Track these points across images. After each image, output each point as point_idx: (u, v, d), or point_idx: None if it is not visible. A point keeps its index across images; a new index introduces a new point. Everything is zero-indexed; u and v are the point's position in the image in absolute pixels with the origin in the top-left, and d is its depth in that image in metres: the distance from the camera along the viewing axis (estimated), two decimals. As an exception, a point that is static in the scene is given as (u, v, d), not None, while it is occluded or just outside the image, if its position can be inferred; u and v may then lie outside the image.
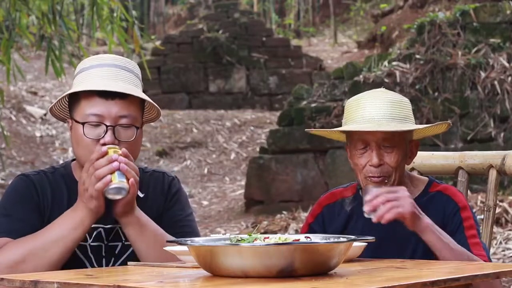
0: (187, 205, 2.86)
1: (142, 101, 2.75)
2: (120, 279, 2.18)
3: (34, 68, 16.80)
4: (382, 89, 2.93)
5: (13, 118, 13.67)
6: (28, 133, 13.35)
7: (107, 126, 2.66)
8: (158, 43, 14.40)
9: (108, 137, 2.66)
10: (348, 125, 2.85)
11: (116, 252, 2.73)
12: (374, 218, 2.66)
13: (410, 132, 2.90)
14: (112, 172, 2.57)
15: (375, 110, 2.81)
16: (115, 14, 6.81)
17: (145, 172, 2.83)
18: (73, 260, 2.67)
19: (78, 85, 2.71)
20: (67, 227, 2.61)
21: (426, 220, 2.70)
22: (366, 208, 2.66)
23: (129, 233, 2.68)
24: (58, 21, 6.59)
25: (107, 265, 2.72)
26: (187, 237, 2.68)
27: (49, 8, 6.71)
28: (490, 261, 2.83)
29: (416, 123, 2.93)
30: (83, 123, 2.67)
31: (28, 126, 13.64)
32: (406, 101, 2.89)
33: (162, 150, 13.33)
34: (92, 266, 2.70)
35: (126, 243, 2.74)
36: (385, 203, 2.65)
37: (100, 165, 2.58)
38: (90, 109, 2.67)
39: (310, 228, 2.98)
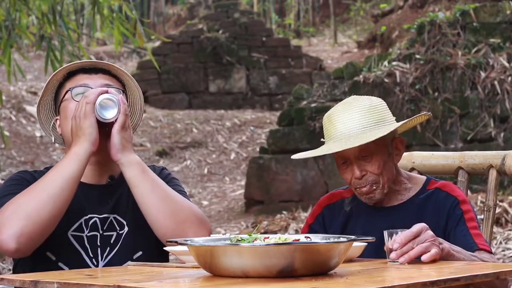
0: (180, 185, 2.87)
1: (124, 90, 2.84)
2: (120, 279, 2.18)
3: (34, 68, 16.80)
4: (354, 97, 2.88)
5: (13, 118, 13.67)
6: (28, 133, 13.35)
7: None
8: (158, 43, 14.40)
9: None
10: (326, 144, 2.89)
11: (111, 241, 2.74)
12: (402, 259, 2.48)
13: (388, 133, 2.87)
14: (101, 93, 2.68)
15: (343, 125, 2.81)
16: (114, 15, 6.81)
17: None
18: (70, 250, 2.70)
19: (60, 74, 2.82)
20: (63, 163, 2.66)
21: (445, 244, 2.57)
22: (393, 255, 2.48)
23: (131, 174, 2.67)
24: (58, 21, 6.59)
25: (102, 255, 2.73)
26: None
27: (49, 8, 6.71)
28: (491, 252, 2.82)
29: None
30: (71, 89, 2.75)
31: (28, 126, 13.64)
32: (377, 104, 2.83)
33: (162, 150, 13.33)
34: (88, 256, 2.72)
35: (120, 232, 2.75)
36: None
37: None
38: (76, 83, 2.78)
39: (310, 229, 2.99)
